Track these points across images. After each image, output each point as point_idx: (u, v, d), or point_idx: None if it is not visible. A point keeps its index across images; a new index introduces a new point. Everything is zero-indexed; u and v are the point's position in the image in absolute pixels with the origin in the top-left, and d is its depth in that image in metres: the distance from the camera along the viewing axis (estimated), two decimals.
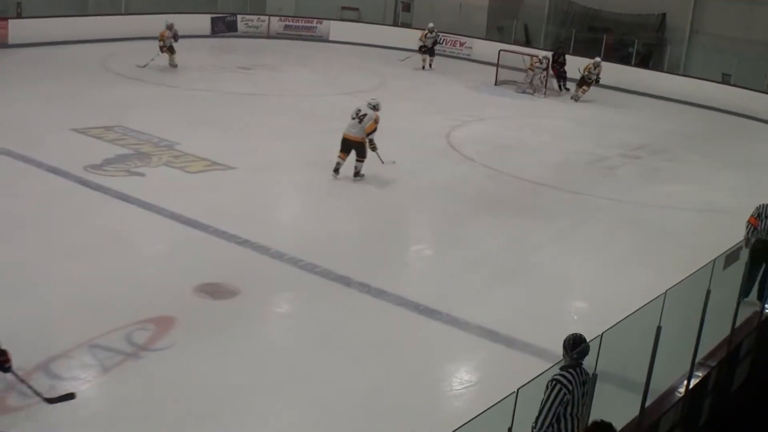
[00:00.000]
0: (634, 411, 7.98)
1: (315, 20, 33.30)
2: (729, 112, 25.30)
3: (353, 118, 15.69)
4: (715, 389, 9.64)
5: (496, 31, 33.66)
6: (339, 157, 15.83)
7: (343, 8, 34.84)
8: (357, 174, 15.93)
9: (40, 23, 26.79)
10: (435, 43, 29.55)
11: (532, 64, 26.91)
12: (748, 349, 10.60)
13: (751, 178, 19.31)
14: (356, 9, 35.16)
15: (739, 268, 9.86)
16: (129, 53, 26.22)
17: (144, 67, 24.20)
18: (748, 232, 11.68)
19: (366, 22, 34.37)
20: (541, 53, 27.94)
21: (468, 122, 21.90)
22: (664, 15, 31.63)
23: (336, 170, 15.85)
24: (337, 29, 33.20)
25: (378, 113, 15.71)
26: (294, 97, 23.16)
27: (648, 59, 31.24)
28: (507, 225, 14.63)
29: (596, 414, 6.65)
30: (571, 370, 6.70)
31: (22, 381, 8.11)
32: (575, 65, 27.08)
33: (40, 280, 10.79)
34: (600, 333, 6.66)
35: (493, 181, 17.34)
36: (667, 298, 7.58)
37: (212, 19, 31.70)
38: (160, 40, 24.52)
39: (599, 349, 6.71)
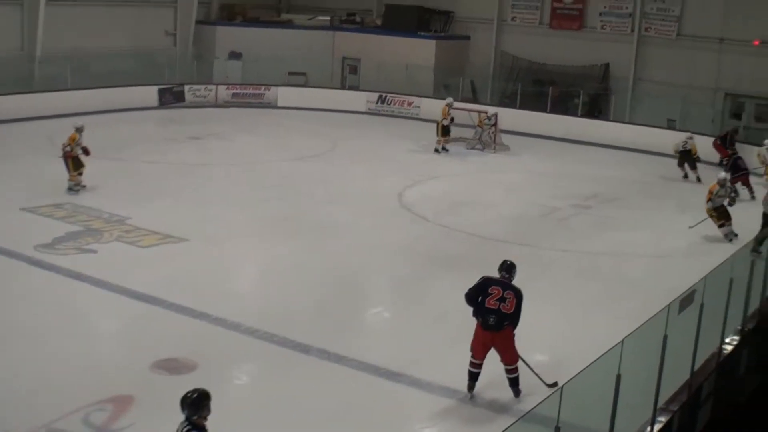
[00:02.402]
0: None
1: (263, 87, 33.42)
2: (677, 156, 25.54)
3: None
4: None
5: (443, 89, 33.98)
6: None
7: (290, 74, 35.00)
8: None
9: None
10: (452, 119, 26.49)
11: (480, 120, 27.16)
12: (709, 391, 10.66)
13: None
14: (303, 74, 35.35)
15: (694, 312, 9.92)
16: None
17: None
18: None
19: (313, 86, 34.58)
20: (490, 109, 28.15)
21: (420, 181, 22.00)
22: (607, 65, 32.17)
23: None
24: (285, 95, 33.36)
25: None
26: (245, 165, 23.14)
27: (594, 109, 31.67)
28: (463, 282, 14.59)
29: None
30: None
31: None
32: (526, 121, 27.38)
33: None
34: (561, 385, 6.65)
35: (448, 238, 17.37)
36: (625, 345, 7.61)
37: (159, 90, 31.63)
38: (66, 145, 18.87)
39: (560, 401, 6.69)
